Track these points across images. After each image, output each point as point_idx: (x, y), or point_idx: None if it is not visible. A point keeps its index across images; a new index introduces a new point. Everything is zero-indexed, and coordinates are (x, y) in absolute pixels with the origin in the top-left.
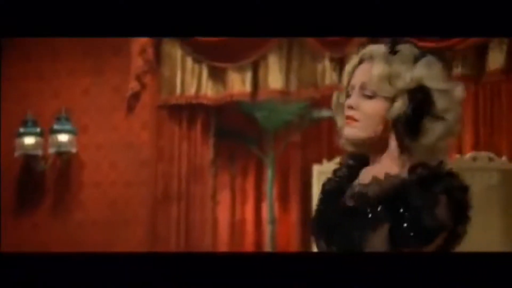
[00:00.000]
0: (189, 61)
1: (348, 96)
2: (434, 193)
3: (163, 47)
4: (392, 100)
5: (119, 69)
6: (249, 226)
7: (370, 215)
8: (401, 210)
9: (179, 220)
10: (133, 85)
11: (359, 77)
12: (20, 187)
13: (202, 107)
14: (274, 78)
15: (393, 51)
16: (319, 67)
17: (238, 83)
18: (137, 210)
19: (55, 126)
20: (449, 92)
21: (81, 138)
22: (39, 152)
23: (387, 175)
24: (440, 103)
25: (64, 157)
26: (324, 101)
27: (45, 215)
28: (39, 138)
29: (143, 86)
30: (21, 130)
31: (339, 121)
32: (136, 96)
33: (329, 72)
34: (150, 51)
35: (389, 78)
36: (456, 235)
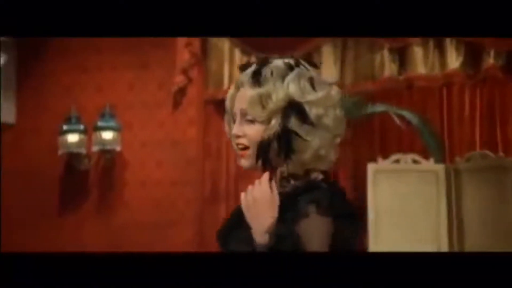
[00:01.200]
0: (237, 53)
1: (234, 122)
2: (301, 206)
3: (209, 39)
4: (268, 122)
5: (164, 63)
6: None
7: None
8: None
9: None
10: (179, 80)
11: (238, 104)
12: (63, 186)
13: None
14: (328, 70)
15: (257, 74)
16: (377, 58)
17: None
18: (184, 210)
19: (99, 123)
20: (322, 98)
21: (125, 135)
22: (83, 150)
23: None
24: (313, 112)
25: (108, 156)
26: (382, 95)
27: (88, 215)
28: (82, 136)
29: (189, 80)
30: (65, 127)
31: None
32: (182, 91)
33: (388, 63)
34: (196, 44)
35: (261, 102)
36: (347, 237)
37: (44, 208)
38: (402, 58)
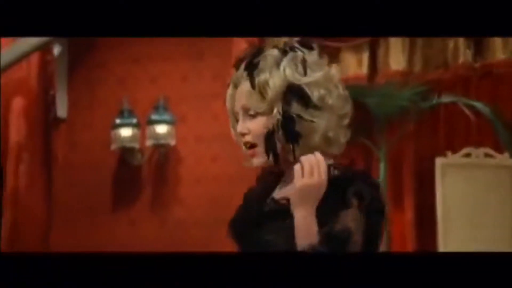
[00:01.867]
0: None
1: (237, 121)
2: (345, 197)
3: None
4: (270, 112)
5: (220, 53)
6: None
7: (287, 220)
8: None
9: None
10: None
11: (238, 103)
12: (116, 182)
13: None
14: (396, 58)
15: (251, 65)
16: (450, 44)
17: (354, 65)
18: (236, 204)
19: (153, 116)
20: (322, 78)
21: (179, 129)
22: (136, 145)
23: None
24: (315, 93)
25: (162, 150)
26: (452, 83)
27: (142, 212)
28: (135, 130)
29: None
30: (117, 121)
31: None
32: None
33: (462, 49)
34: None
35: (259, 92)
36: (373, 236)
37: (96, 205)
38: (478, 43)
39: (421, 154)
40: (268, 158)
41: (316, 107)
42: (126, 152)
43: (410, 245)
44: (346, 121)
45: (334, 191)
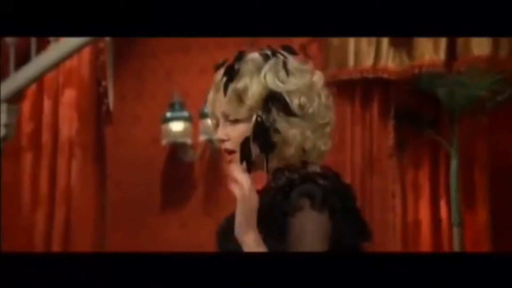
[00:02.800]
0: None
1: (217, 125)
2: (291, 200)
3: None
4: (249, 118)
5: (277, 39)
6: (425, 228)
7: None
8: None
9: None
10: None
11: (218, 107)
12: (166, 179)
13: (380, 83)
14: (479, 42)
15: (231, 70)
16: None
17: (429, 51)
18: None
19: (206, 109)
20: (304, 86)
21: None
22: (188, 140)
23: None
24: (295, 102)
25: (215, 145)
26: None
27: (195, 212)
28: (187, 124)
29: (307, 58)
30: (168, 114)
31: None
32: None
33: None
34: None
35: (239, 99)
36: (345, 233)
37: (147, 203)
38: None
39: (496, 151)
40: (241, 165)
41: (295, 116)
42: (177, 148)
43: (485, 247)
44: (328, 130)
45: (284, 192)
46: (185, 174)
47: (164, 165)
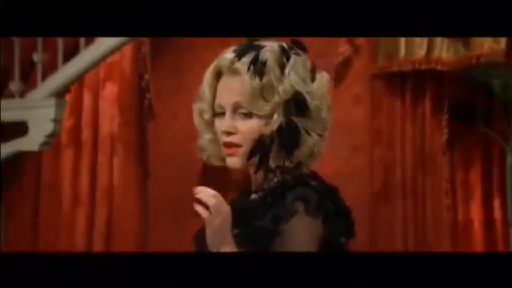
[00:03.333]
0: None
1: (215, 114)
2: (288, 201)
3: None
4: (270, 116)
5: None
6: (477, 228)
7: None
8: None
9: (405, 218)
10: (344, 49)
11: (228, 95)
12: (205, 179)
13: (433, 75)
14: None
15: (256, 62)
16: None
17: (489, 39)
18: (350, 206)
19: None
20: (318, 87)
21: None
22: None
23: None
24: (313, 103)
25: None
26: None
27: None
28: None
29: (355, 49)
30: None
31: (206, 139)
32: (346, 63)
33: None
34: None
35: (263, 94)
36: (327, 238)
37: (189, 202)
38: None
39: None
40: (248, 161)
41: (311, 118)
42: None
43: None
44: (327, 134)
45: (277, 194)
46: (225, 172)
47: (202, 164)
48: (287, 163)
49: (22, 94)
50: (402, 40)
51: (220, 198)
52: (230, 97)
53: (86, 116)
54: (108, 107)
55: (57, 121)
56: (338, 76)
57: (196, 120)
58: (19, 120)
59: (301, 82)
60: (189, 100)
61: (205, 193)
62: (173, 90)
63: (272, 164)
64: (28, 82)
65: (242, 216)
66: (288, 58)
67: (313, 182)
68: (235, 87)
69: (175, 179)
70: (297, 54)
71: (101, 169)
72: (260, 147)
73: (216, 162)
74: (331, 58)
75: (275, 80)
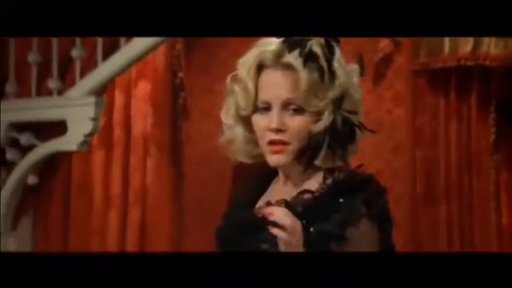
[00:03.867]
0: None
1: (256, 110)
2: (354, 205)
3: None
4: (322, 112)
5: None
6: None
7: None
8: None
9: (450, 221)
10: (385, 45)
11: (276, 91)
12: (237, 180)
13: (481, 71)
14: None
15: (311, 57)
16: None
17: None
18: (391, 209)
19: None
20: (353, 84)
21: None
22: None
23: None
24: (357, 98)
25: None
26: None
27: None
28: None
29: (396, 45)
30: None
31: (238, 134)
32: (386, 59)
33: None
34: None
35: (317, 91)
36: (386, 244)
37: (222, 202)
38: None
39: None
40: (296, 159)
41: (357, 114)
42: None
43: None
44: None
45: (338, 196)
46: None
47: (235, 164)
48: (338, 162)
49: (59, 92)
50: None
51: (292, 215)
52: (279, 93)
53: (117, 116)
54: (141, 106)
55: (96, 120)
56: (378, 73)
57: (227, 115)
58: (58, 118)
59: (347, 77)
60: (222, 99)
61: (279, 214)
62: (205, 88)
63: (319, 163)
64: (65, 79)
65: (304, 219)
66: (332, 52)
67: (372, 185)
68: (286, 82)
69: (209, 180)
70: (338, 47)
71: (134, 170)
72: (311, 145)
73: (245, 159)
74: (371, 54)
75: (327, 76)
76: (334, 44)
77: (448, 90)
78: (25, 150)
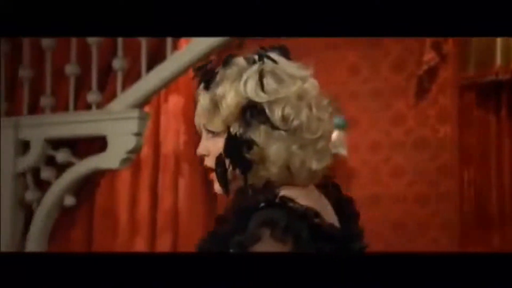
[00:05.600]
0: None
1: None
2: (254, 225)
3: None
4: (225, 131)
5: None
6: None
7: None
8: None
9: (504, 248)
10: (429, 57)
11: (199, 117)
12: None
13: None
14: None
15: (209, 75)
16: None
17: None
18: (437, 236)
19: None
20: (291, 95)
21: (352, 134)
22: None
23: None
24: (278, 113)
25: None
26: None
27: None
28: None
29: (442, 57)
30: None
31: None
32: (431, 73)
33: None
34: None
35: (215, 109)
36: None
37: None
38: None
39: None
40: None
41: (278, 129)
42: None
43: None
44: (322, 145)
45: (243, 221)
46: None
47: None
48: (241, 183)
49: (98, 105)
50: (498, 46)
51: None
52: (200, 118)
53: (146, 132)
54: (172, 122)
55: (139, 135)
56: (422, 88)
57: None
58: (97, 134)
59: (259, 90)
60: None
61: None
62: None
63: (233, 185)
64: (105, 92)
65: (216, 241)
66: (251, 68)
67: (285, 202)
68: (201, 108)
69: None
70: (266, 62)
71: (163, 192)
72: (218, 169)
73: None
74: (414, 67)
75: (225, 92)
76: (257, 59)
77: (499, 106)
78: (61, 169)
